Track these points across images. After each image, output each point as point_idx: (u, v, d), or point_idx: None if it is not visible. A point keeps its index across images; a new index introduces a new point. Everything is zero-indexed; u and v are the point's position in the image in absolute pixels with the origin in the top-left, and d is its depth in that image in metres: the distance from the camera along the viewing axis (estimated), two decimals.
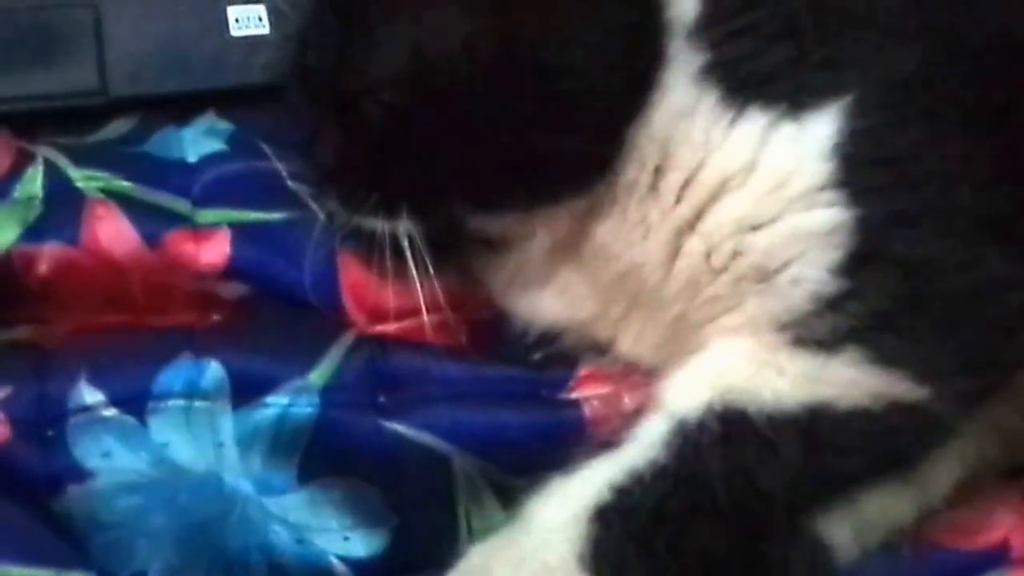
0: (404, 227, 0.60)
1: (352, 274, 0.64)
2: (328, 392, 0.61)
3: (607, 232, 0.60)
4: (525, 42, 0.58)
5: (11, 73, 0.69)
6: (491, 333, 0.64)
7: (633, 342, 0.62)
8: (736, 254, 0.57)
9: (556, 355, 0.63)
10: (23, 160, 0.66)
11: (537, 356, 0.63)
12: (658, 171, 0.59)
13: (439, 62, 0.58)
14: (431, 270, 0.61)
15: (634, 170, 0.59)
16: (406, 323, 0.64)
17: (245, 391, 0.60)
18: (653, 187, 0.59)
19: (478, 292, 0.65)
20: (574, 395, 0.63)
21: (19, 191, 0.64)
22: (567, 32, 0.58)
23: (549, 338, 0.63)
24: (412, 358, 0.62)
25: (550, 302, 0.63)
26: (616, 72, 0.58)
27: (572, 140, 0.58)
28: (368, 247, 0.62)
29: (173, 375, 0.60)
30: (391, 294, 0.62)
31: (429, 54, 0.58)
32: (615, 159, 0.59)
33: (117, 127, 0.71)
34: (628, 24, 0.58)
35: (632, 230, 0.60)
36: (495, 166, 0.59)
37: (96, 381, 0.59)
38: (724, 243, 0.57)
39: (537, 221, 0.61)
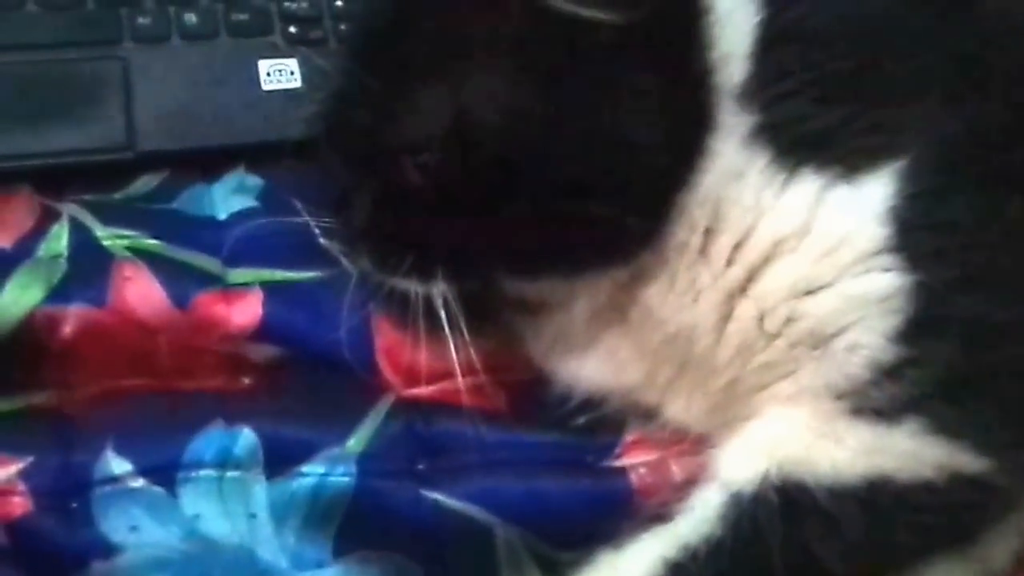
0: (439, 290, 0.58)
1: (386, 335, 0.62)
2: (366, 460, 0.58)
3: (655, 296, 0.58)
4: (572, 111, 0.55)
5: (36, 127, 0.67)
6: (531, 397, 0.62)
7: (682, 408, 0.60)
8: (790, 319, 0.55)
9: (601, 421, 0.61)
10: (48, 218, 0.64)
11: (581, 421, 0.60)
12: (708, 233, 0.57)
13: (483, 126, 0.56)
14: (466, 332, 0.58)
15: (683, 233, 0.57)
16: (441, 386, 0.61)
17: (279, 460, 0.58)
18: (703, 250, 0.57)
19: (516, 354, 0.63)
20: (620, 463, 0.60)
21: (43, 250, 0.62)
22: (615, 102, 0.56)
23: (593, 403, 0.61)
24: (451, 423, 0.60)
25: (594, 366, 0.60)
26: (664, 140, 0.56)
27: (618, 210, 0.55)
28: (402, 308, 0.59)
29: (204, 443, 0.57)
30: (426, 356, 0.60)
31: (472, 118, 0.56)
32: (663, 226, 0.57)
33: (145, 183, 0.69)
34: (675, 91, 0.56)
35: (682, 294, 0.57)
36: (536, 234, 0.57)
37: (123, 450, 0.57)
38: (778, 308, 0.55)
39: (579, 286, 0.59)
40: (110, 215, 0.65)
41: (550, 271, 0.58)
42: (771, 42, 0.57)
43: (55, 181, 0.67)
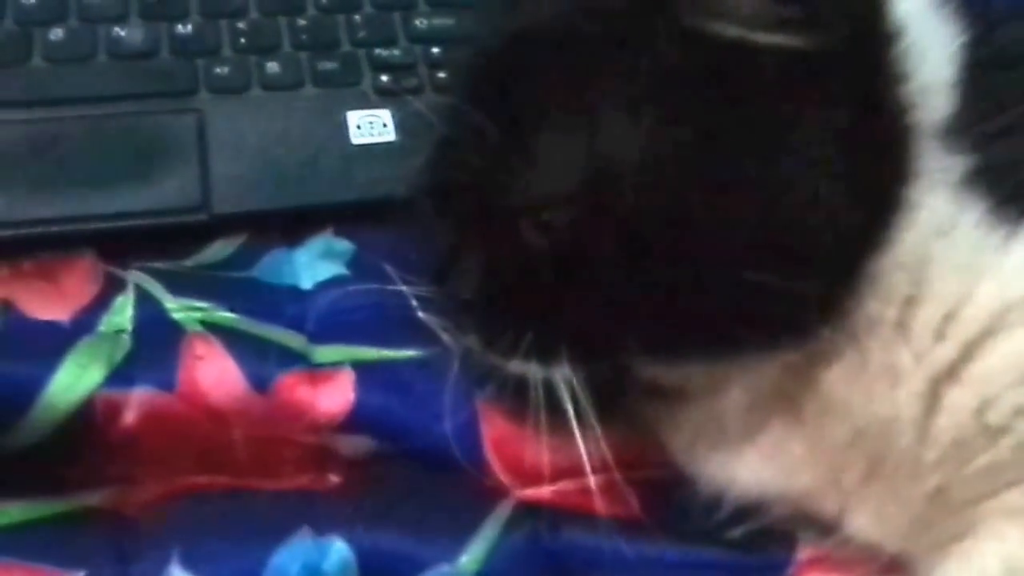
0: (562, 374, 0.49)
1: (496, 425, 0.53)
2: None
3: (838, 381, 0.48)
4: (733, 161, 0.46)
5: (101, 186, 0.60)
6: (666, 500, 0.52)
7: (872, 521, 0.49)
8: (1019, 411, 0.45)
9: (764, 533, 0.51)
10: (111, 287, 0.57)
11: (738, 534, 0.50)
12: (909, 303, 0.47)
13: (621, 180, 0.46)
14: (594, 423, 0.49)
15: (877, 304, 0.47)
16: (563, 485, 0.52)
17: None
18: (902, 324, 0.47)
19: (649, 448, 0.53)
20: None
21: (106, 323, 0.55)
22: (786, 148, 0.46)
23: (752, 511, 0.51)
24: (582, 533, 0.50)
25: (753, 465, 0.50)
26: (851, 193, 0.46)
27: (793, 279, 0.45)
28: (517, 395, 0.50)
29: (288, 558, 0.49)
30: (545, 451, 0.51)
31: (608, 169, 0.47)
32: (850, 296, 0.47)
33: (220, 249, 0.61)
34: (862, 133, 0.46)
35: (874, 379, 0.47)
36: (685, 309, 0.47)
37: (191, 563, 0.48)
38: (1002, 396, 0.45)
39: (733, 371, 0.49)
40: (181, 284, 0.57)
41: (701, 353, 0.48)
42: (982, 68, 0.47)
43: (121, 246, 0.59)
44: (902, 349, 0.47)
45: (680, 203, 0.46)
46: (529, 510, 0.51)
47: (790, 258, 0.46)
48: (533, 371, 0.50)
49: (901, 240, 0.46)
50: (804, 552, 0.50)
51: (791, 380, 0.49)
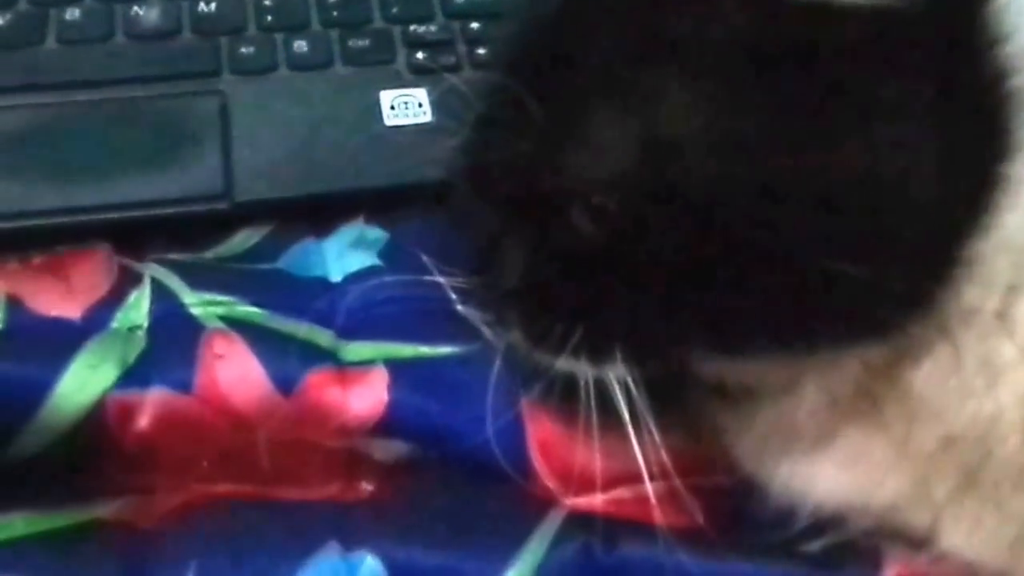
0: (616, 373, 0.44)
1: (544, 429, 0.48)
2: None
3: (927, 380, 0.42)
4: (809, 137, 0.41)
5: (116, 174, 0.56)
6: (736, 511, 0.47)
7: (969, 536, 0.44)
8: None
9: (845, 548, 0.45)
10: (126, 281, 0.52)
11: (815, 548, 0.45)
12: (1012, 292, 0.41)
13: (683, 160, 0.41)
14: (652, 426, 0.44)
15: (975, 293, 0.41)
16: (618, 494, 0.47)
17: None
18: (1003, 314, 0.41)
19: (714, 453, 0.48)
20: None
21: (119, 320, 0.50)
22: (869, 123, 0.41)
23: (830, 523, 0.46)
24: (640, 546, 0.45)
25: (831, 473, 0.45)
26: (942, 172, 0.40)
27: (877, 268, 0.40)
28: (566, 396, 0.46)
29: (315, 574, 0.44)
30: (598, 456, 0.46)
31: (669, 149, 0.41)
32: (942, 286, 0.41)
33: (244, 239, 0.56)
34: (953, 103, 0.41)
35: (970, 377, 0.42)
36: (753, 302, 0.42)
37: None
38: None
39: (807, 369, 0.44)
40: (201, 277, 0.52)
41: (772, 350, 0.43)
42: None
43: (138, 238, 0.55)
44: (1004, 342, 0.41)
45: (751, 184, 0.41)
46: (581, 521, 0.46)
47: (875, 244, 0.40)
48: (583, 369, 0.45)
49: (1002, 222, 0.41)
50: (892, 569, 0.45)
51: (873, 379, 0.43)
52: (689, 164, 0.41)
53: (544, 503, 0.47)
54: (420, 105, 0.60)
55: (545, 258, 0.46)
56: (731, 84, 0.41)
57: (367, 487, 0.48)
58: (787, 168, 0.40)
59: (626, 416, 0.45)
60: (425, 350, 0.50)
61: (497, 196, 0.47)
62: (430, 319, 0.52)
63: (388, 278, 0.53)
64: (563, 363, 0.45)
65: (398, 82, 0.61)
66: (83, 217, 0.55)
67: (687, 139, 0.41)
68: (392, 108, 0.60)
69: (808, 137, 0.40)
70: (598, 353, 0.44)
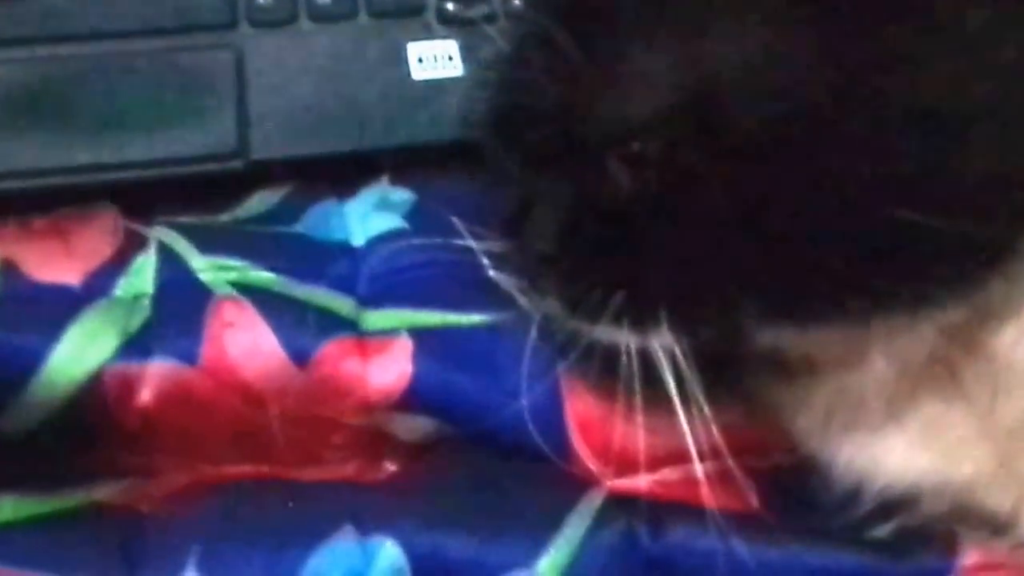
0: (662, 342, 0.40)
1: (583, 404, 0.44)
2: None
3: (1013, 345, 0.38)
4: (885, 68, 0.36)
5: (122, 133, 0.52)
6: (795, 493, 0.42)
7: None
8: None
9: (918, 532, 0.40)
10: (132, 246, 0.49)
11: (885, 532, 0.40)
12: None
13: (736, 96, 0.37)
14: (702, 401, 0.40)
15: None
16: (663, 475, 0.43)
17: None
18: None
19: (770, 429, 0.44)
20: None
21: (123, 287, 0.47)
22: (956, 52, 0.36)
23: (901, 505, 0.41)
24: (690, 531, 0.41)
25: (902, 450, 0.40)
26: None
27: (960, 218, 0.35)
28: (606, 368, 0.41)
29: (327, 562, 0.40)
30: (643, 432, 0.42)
31: (719, 84, 0.37)
32: None
33: (261, 201, 0.52)
34: None
35: None
36: (815, 259, 0.37)
37: (209, 571, 0.40)
38: None
39: (876, 335, 0.40)
40: (211, 241, 0.48)
41: (835, 314, 0.38)
42: None
43: (147, 200, 0.51)
44: None
45: (812, 124, 0.36)
46: (623, 504, 0.42)
47: (957, 191, 0.36)
48: (625, 338, 0.40)
49: None
50: (970, 557, 0.40)
51: (950, 345, 0.39)
52: (740, 100, 0.36)
53: (582, 484, 0.42)
54: (451, 58, 0.55)
55: (581, 216, 0.41)
56: (786, 7, 0.36)
57: (390, 467, 0.44)
58: (856, 100, 0.35)
59: (673, 390, 0.40)
60: (453, 318, 0.46)
61: (527, 147, 0.43)
62: (459, 285, 0.48)
63: (415, 241, 0.49)
64: (603, 331, 0.41)
65: (427, 34, 0.56)
66: (87, 177, 0.51)
67: (738, 72, 0.37)
68: (420, 61, 0.55)
69: (880, 69, 0.36)
70: (641, 320, 0.40)
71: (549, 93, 0.41)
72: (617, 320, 0.40)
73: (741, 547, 0.40)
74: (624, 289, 0.40)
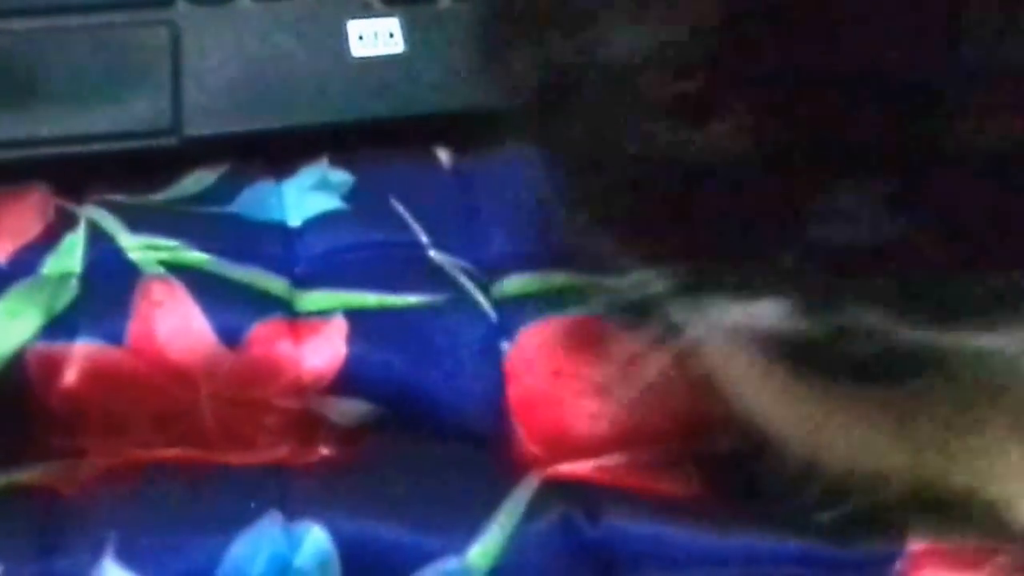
0: None
1: (527, 388, 0.43)
2: None
3: None
4: None
5: (53, 108, 0.50)
6: (737, 475, 0.41)
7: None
8: None
9: (866, 517, 0.39)
10: (61, 224, 0.47)
11: (828, 517, 0.40)
12: None
13: None
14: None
15: None
16: (609, 460, 0.42)
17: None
18: None
19: (717, 413, 0.43)
20: None
21: (50, 266, 0.45)
22: None
23: (851, 488, 0.39)
24: (630, 518, 0.40)
25: (846, 429, 0.39)
26: None
27: None
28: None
29: (250, 549, 0.38)
30: (586, 417, 0.41)
31: None
32: None
33: (197, 180, 0.51)
34: None
35: None
36: None
37: (128, 556, 0.38)
38: None
39: None
40: (143, 220, 0.47)
41: None
42: None
43: (80, 178, 0.49)
44: None
45: None
46: (561, 489, 0.41)
47: None
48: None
49: None
50: (919, 542, 0.39)
51: None
52: None
53: (519, 470, 0.41)
54: (392, 35, 0.54)
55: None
56: None
57: (324, 451, 0.43)
58: None
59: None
60: (392, 299, 0.45)
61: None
62: (398, 267, 0.46)
63: (353, 226, 0.48)
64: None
65: (368, 11, 0.55)
66: (16, 152, 0.49)
67: None
68: (361, 39, 0.54)
69: None
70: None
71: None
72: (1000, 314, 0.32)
73: (683, 532, 0.39)
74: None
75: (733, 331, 0.35)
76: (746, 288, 0.34)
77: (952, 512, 0.38)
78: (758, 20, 0.31)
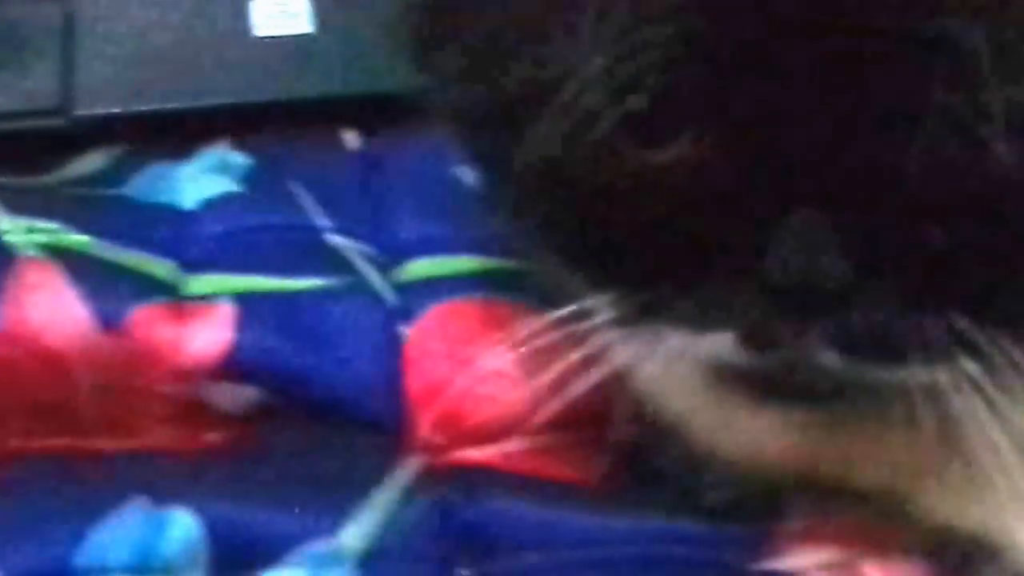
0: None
1: (423, 374, 0.41)
2: (372, 562, 0.37)
3: None
4: None
5: None
6: (644, 464, 0.40)
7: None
8: None
9: (746, 499, 0.38)
10: None
11: (714, 500, 0.38)
12: None
13: None
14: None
15: None
16: (505, 446, 0.40)
17: (232, 561, 0.36)
18: None
19: (621, 400, 0.41)
20: (783, 564, 0.38)
21: None
22: None
23: (735, 473, 0.38)
24: (507, 501, 0.38)
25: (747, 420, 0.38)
26: None
27: None
28: None
29: (111, 535, 0.36)
30: (484, 403, 0.39)
31: None
32: None
33: (89, 162, 0.49)
34: None
35: None
36: None
37: None
38: None
39: None
40: (24, 202, 0.45)
41: None
42: None
43: None
44: None
45: None
46: (443, 473, 0.39)
47: None
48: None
49: None
50: (795, 521, 0.38)
51: None
52: None
53: (400, 454, 0.39)
54: (297, 14, 0.53)
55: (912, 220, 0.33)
56: None
57: (209, 438, 0.41)
58: None
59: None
60: (284, 283, 0.43)
61: None
62: (293, 251, 0.45)
63: (250, 210, 0.46)
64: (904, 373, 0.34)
65: None
66: None
67: None
68: (265, 17, 0.52)
69: None
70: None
71: None
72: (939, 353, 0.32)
73: (567, 516, 0.38)
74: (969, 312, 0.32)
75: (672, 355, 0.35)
76: (692, 320, 0.34)
77: (838, 497, 0.37)
78: (713, 46, 0.31)
